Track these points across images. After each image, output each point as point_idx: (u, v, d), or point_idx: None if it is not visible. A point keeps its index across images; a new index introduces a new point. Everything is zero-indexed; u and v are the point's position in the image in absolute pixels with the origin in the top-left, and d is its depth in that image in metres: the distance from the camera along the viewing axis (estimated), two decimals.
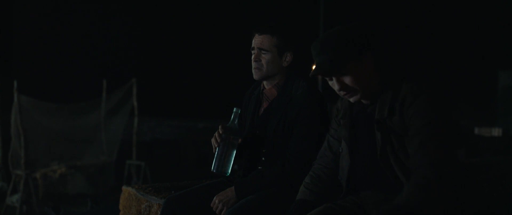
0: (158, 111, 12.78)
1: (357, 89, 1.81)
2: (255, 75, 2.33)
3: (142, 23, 15.53)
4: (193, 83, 15.69)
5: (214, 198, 2.24)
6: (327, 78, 1.85)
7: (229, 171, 2.07)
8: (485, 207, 2.55)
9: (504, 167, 2.99)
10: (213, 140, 2.13)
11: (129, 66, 14.60)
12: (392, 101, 1.77)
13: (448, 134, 1.70)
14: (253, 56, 2.34)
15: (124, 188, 3.11)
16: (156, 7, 15.55)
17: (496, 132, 10.23)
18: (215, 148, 2.12)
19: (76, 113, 7.49)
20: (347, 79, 1.80)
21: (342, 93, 1.85)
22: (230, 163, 1.99)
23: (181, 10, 15.57)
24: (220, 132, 2.12)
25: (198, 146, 10.55)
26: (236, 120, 2.00)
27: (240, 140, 2.14)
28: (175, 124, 12.78)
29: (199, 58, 15.91)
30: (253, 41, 2.36)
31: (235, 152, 2.03)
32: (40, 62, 14.14)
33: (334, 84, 1.84)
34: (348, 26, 1.82)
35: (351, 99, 1.86)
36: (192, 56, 15.88)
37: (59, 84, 13.46)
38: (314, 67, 1.88)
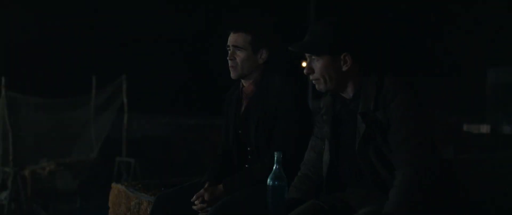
0: (148, 108, 12.73)
1: (320, 79, 1.90)
2: (232, 74, 2.35)
3: (132, 18, 15.45)
4: (184, 80, 15.64)
5: (200, 193, 2.23)
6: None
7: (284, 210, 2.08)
8: (473, 204, 2.58)
9: (492, 164, 3.02)
10: None
11: (119, 62, 14.52)
12: (377, 96, 1.81)
13: (429, 131, 1.79)
14: (228, 55, 2.34)
15: (113, 185, 3.10)
16: (147, 3, 15.47)
17: (485, 128, 10.32)
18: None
19: (65, 110, 7.43)
20: (316, 66, 1.90)
21: (308, 74, 1.95)
22: (284, 204, 2.01)
23: (172, 7, 15.51)
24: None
25: (189, 143, 10.52)
26: (278, 165, 2.00)
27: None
28: (165, 120, 12.73)
29: (190, 54, 15.87)
30: (228, 39, 2.36)
31: (285, 194, 2.03)
32: (28, 58, 14.02)
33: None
34: (337, 23, 1.88)
35: (316, 87, 1.94)
36: (182, 52, 15.83)
37: (48, 80, 13.35)
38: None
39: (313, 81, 1.93)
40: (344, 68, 1.88)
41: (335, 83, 1.89)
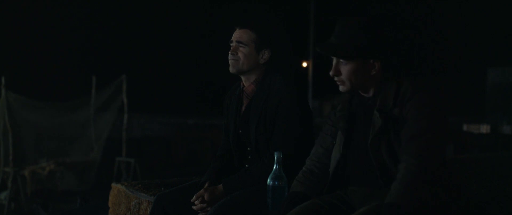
0: (148, 108, 12.73)
1: (346, 82, 1.89)
2: (231, 68, 2.34)
3: (132, 19, 15.45)
4: (183, 79, 15.65)
5: (200, 193, 2.24)
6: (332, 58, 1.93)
7: None
8: (473, 202, 2.58)
9: (492, 163, 3.02)
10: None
11: (119, 62, 14.52)
12: (396, 94, 1.83)
13: (441, 130, 1.80)
14: (230, 49, 2.35)
15: (113, 185, 3.09)
16: (147, 3, 15.47)
17: (484, 128, 10.32)
18: None
19: (65, 110, 7.43)
20: (344, 69, 1.89)
21: (333, 76, 1.93)
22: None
23: (172, 7, 15.51)
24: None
25: (188, 142, 10.52)
26: (278, 165, 2.02)
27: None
28: (165, 120, 12.74)
29: (189, 54, 15.88)
30: (233, 34, 2.37)
31: (285, 194, 2.05)
32: (29, 58, 14.01)
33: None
34: (368, 28, 1.86)
35: (340, 88, 1.93)
36: (182, 52, 15.84)
37: (48, 80, 13.35)
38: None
39: (337, 82, 1.92)
40: (372, 72, 1.88)
41: (360, 85, 1.90)
